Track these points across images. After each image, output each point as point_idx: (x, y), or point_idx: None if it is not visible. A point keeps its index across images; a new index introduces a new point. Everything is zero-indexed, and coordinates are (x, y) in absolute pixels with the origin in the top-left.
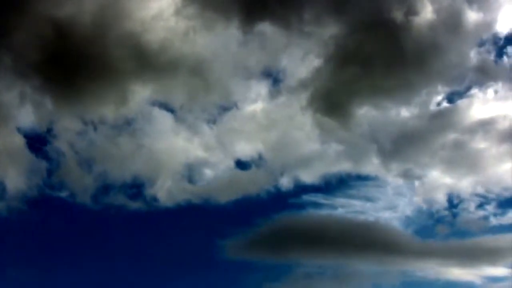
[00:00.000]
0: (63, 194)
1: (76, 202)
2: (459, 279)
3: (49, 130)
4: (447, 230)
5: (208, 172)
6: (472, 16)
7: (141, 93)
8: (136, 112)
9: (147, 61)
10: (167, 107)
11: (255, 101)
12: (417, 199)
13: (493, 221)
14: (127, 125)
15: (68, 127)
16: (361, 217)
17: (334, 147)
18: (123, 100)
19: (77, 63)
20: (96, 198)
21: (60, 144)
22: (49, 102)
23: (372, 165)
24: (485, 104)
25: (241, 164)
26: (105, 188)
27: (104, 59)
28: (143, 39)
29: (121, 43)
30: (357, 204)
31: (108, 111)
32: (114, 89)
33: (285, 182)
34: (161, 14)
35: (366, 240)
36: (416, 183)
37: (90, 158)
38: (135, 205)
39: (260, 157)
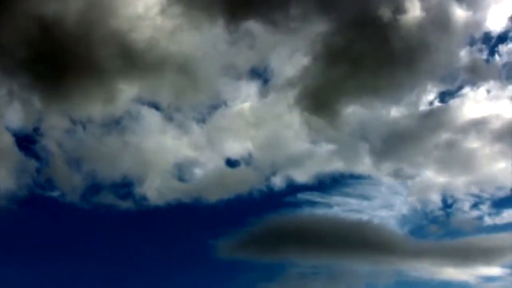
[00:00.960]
0: (53, 193)
1: (66, 201)
2: (454, 278)
3: (37, 129)
4: (441, 229)
5: (198, 171)
6: (462, 14)
7: (129, 91)
8: (124, 111)
9: (134, 60)
10: (156, 106)
11: (244, 100)
12: (411, 199)
13: (487, 220)
14: (115, 124)
15: (56, 125)
16: (357, 216)
17: (325, 146)
18: (111, 98)
19: (64, 61)
20: (86, 198)
21: (49, 142)
22: (37, 100)
23: (364, 165)
24: (477, 104)
25: (231, 163)
26: (95, 187)
27: (91, 58)
28: (129, 37)
29: (108, 42)
30: (352, 202)
31: (96, 110)
32: (102, 88)
33: (277, 181)
34: (146, 13)
35: (360, 240)
36: (410, 182)
37: (79, 157)
38: (124, 204)
39: (250, 155)
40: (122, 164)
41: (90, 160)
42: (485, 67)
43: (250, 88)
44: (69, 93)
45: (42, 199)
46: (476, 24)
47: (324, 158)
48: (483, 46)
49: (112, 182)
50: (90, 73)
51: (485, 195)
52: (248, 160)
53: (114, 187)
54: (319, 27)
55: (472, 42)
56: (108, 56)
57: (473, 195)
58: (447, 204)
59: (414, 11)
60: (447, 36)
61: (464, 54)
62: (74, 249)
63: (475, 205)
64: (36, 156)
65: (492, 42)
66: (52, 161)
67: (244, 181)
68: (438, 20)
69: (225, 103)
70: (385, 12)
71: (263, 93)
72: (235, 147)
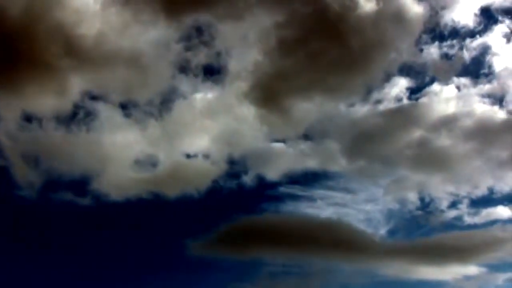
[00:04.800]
0: (10, 190)
1: (23, 198)
2: (431, 277)
3: None
4: (418, 228)
5: (157, 166)
6: (420, 8)
7: (81, 86)
8: (78, 106)
9: (84, 54)
10: (110, 101)
11: (198, 94)
12: (386, 198)
13: (466, 220)
14: (69, 119)
15: (9, 120)
16: (331, 213)
17: (291, 142)
18: (63, 93)
19: (11, 55)
20: (43, 194)
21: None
22: None
23: (334, 163)
24: (448, 101)
25: (190, 157)
26: (51, 183)
27: (40, 51)
28: (76, 31)
29: (55, 35)
30: (325, 204)
31: (48, 105)
32: (53, 82)
33: (248, 179)
34: (90, 7)
35: (334, 239)
36: (383, 181)
37: (34, 152)
38: (82, 200)
39: (209, 150)
40: (78, 160)
41: (45, 155)
42: (455, 63)
43: (204, 83)
44: (20, 87)
45: None
46: (439, 18)
47: (292, 155)
48: (453, 42)
49: (69, 178)
50: (39, 67)
51: (462, 193)
52: (207, 154)
53: (71, 183)
54: (270, 19)
55: (441, 38)
56: (57, 50)
57: (449, 194)
58: (424, 202)
59: (370, 4)
60: (408, 30)
61: (432, 50)
62: (33, 247)
63: (452, 204)
64: None
65: (461, 38)
66: (7, 157)
67: (205, 176)
68: (396, 14)
69: (179, 98)
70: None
71: (215, 88)
72: (193, 142)
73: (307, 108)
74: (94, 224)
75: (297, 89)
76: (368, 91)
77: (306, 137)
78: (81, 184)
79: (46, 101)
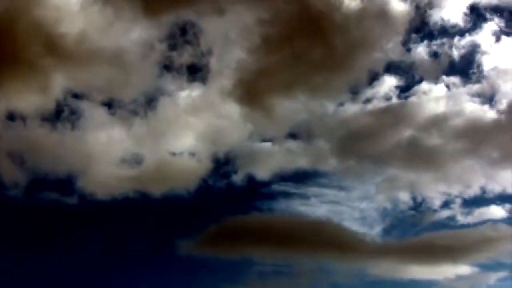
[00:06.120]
0: None
1: (9, 197)
2: (423, 277)
3: None
4: (410, 228)
5: (143, 165)
6: (407, 6)
7: (65, 85)
8: (61, 105)
9: (66, 53)
10: (95, 100)
11: (183, 92)
12: (376, 198)
13: (459, 220)
14: (53, 118)
15: None
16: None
17: (280, 141)
18: (47, 92)
19: None
20: (29, 193)
21: None
22: None
23: (324, 163)
24: (437, 100)
25: (176, 156)
26: (37, 182)
27: (22, 49)
28: (58, 30)
29: (36, 33)
30: (319, 201)
31: (32, 103)
32: (37, 81)
33: (237, 178)
34: (72, 4)
35: (324, 239)
36: (374, 181)
37: (19, 151)
38: (68, 200)
39: (193, 149)
40: (63, 158)
41: (30, 154)
42: (443, 62)
43: (188, 81)
44: (2, 86)
45: None
46: (427, 17)
47: (279, 154)
48: (442, 40)
49: (55, 177)
50: (21, 65)
51: (454, 193)
52: (193, 152)
53: (57, 182)
54: (254, 16)
55: (429, 37)
56: (38, 48)
57: (442, 194)
58: (416, 202)
59: (354, 2)
60: (393, 29)
61: (420, 49)
62: (19, 247)
63: (445, 204)
64: None
65: (450, 36)
66: None
67: (192, 174)
68: (380, 12)
69: (163, 96)
70: (324, 2)
71: (200, 86)
72: (179, 140)
73: (292, 107)
74: (81, 223)
75: (281, 88)
76: (356, 90)
77: (293, 136)
78: (67, 183)
79: (29, 99)
